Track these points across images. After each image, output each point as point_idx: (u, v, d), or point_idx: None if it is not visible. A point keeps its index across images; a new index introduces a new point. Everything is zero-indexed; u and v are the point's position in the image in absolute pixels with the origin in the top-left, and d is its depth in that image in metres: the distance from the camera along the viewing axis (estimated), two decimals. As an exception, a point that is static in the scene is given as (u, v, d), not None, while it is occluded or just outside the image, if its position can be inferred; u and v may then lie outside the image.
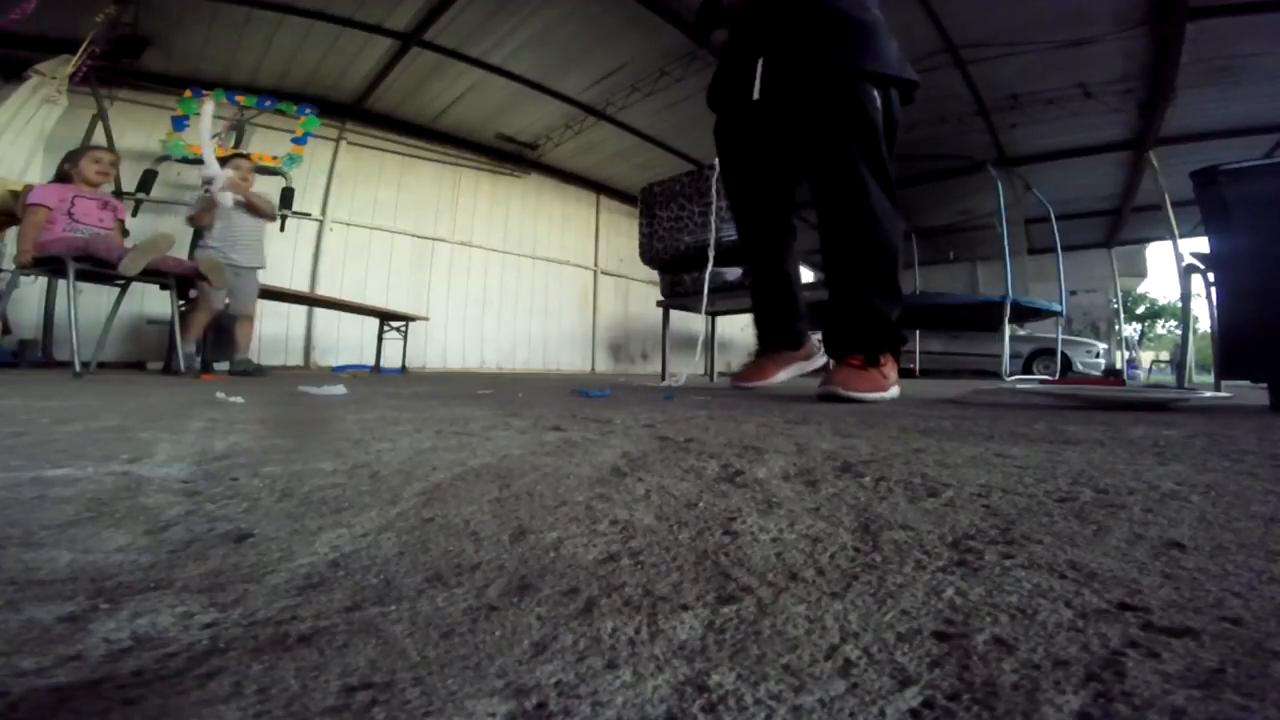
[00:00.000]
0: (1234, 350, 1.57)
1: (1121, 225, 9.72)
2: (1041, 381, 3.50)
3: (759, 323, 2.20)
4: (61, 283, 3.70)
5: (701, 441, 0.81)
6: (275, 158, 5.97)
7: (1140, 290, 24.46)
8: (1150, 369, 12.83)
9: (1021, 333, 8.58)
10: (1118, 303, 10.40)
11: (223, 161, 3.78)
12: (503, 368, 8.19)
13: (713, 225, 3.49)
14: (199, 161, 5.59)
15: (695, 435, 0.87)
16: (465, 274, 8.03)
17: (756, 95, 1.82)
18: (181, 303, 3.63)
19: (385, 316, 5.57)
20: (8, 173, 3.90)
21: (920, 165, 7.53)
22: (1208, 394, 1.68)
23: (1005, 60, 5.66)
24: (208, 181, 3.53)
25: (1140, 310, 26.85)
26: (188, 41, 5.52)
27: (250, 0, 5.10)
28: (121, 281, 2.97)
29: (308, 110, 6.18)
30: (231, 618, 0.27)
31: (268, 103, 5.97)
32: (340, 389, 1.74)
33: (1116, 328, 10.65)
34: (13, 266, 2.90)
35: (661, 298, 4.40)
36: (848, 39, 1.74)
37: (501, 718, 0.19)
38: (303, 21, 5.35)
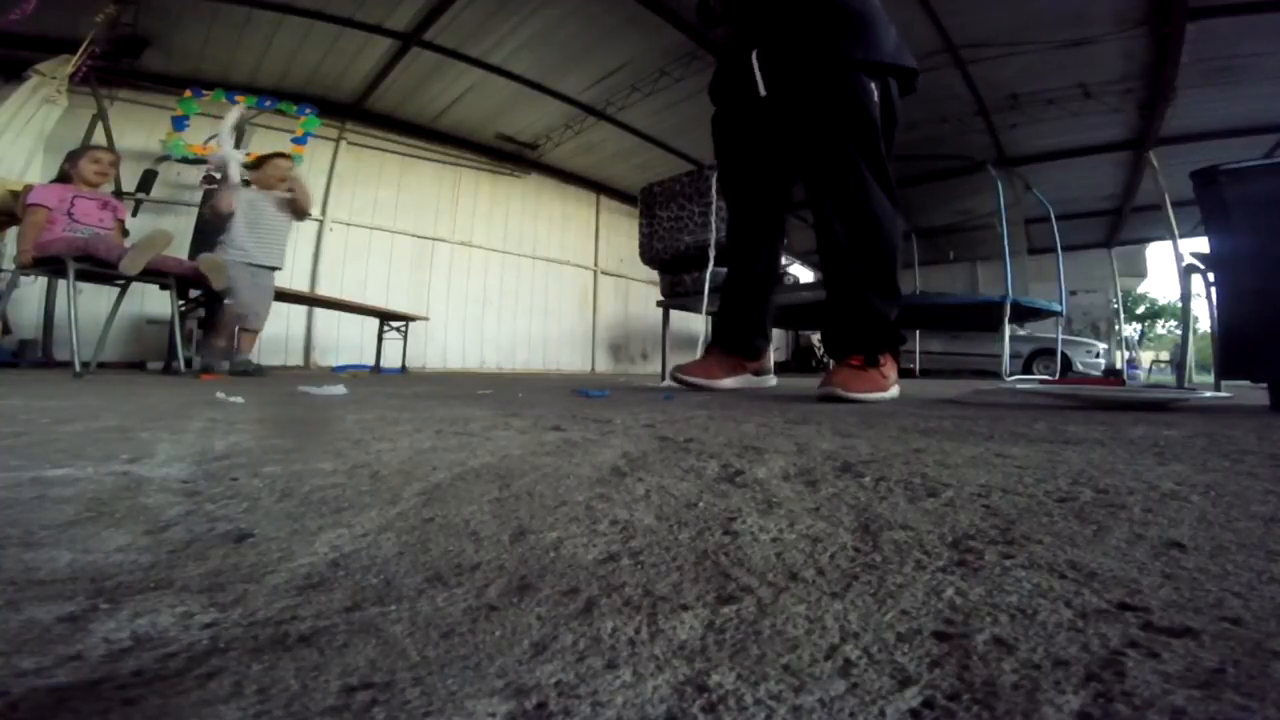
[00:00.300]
0: (1234, 350, 1.56)
1: (1121, 225, 9.73)
2: (1041, 381, 3.50)
3: (722, 321, 2.12)
4: (61, 283, 3.69)
5: (701, 441, 0.81)
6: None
7: (1140, 290, 24.48)
8: (1150, 369, 12.83)
9: (1021, 333, 8.58)
10: (1118, 303, 10.40)
11: (260, 161, 3.72)
12: (503, 368, 8.19)
13: (713, 225, 3.49)
14: (199, 161, 5.62)
15: (695, 435, 0.87)
16: (465, 274, 8.04)
17: (763, 91, 1.79)
18: (181, 303, 3.63)
19: (385, 316, 5.57)
20: (8, 173, 3.90)
21: (920, 165, 7.53)
22: (1208, 394, 1.68)
23: (1005, 60, 5.66)
24: (219, 167, 3.41)
25: (1140, 310, 26.86)
26: (188, 41, 5.52)
27: (250, 0, 5.10)
28: (121, 281, 2.97)
29: (308, 110, 6.18)
30: (231, 618, 0.27)
31: (268, 103, 5.97)
32: (340, 389, 1.74)
33: (1116, 328, 10.65)
34: (13, 266, 2.90)
35: (661, 298, 4.40)
36: (842, 28, 1.72)
37: (501, 718, 0.19)
38: (303, 21, 5.35)
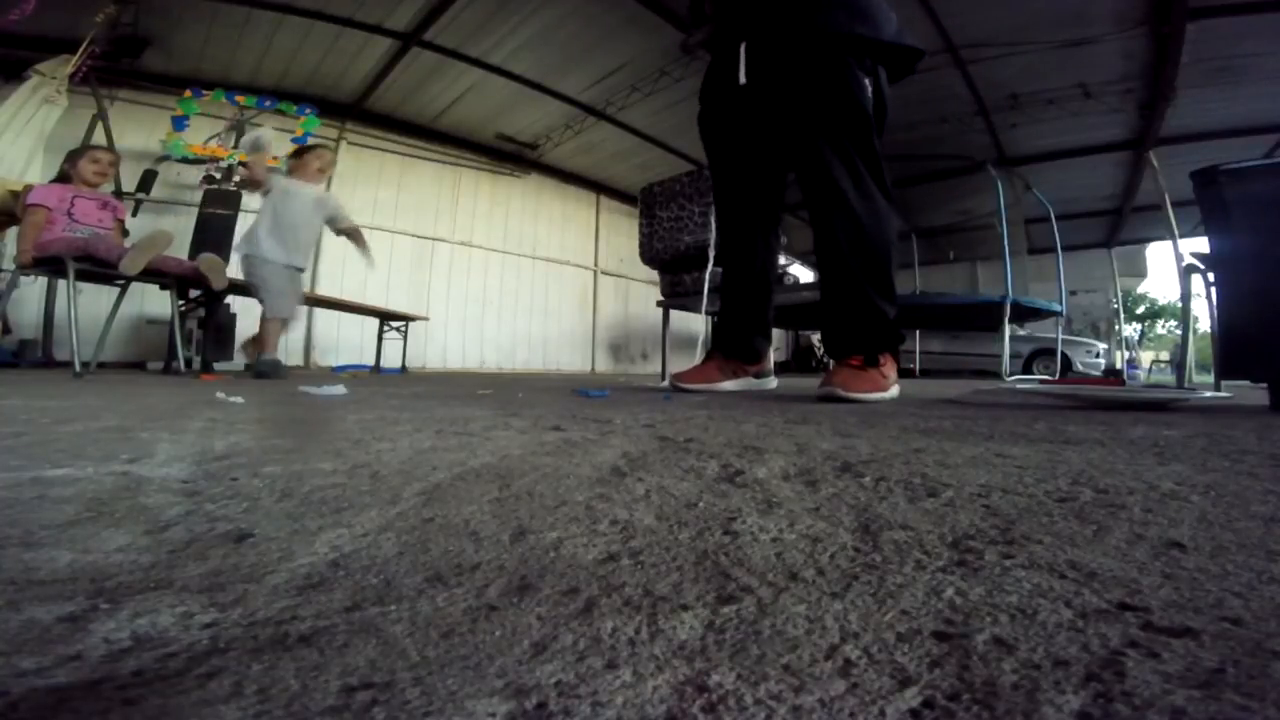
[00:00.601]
0: (1234, 350, 1.57)
1: (1121, 225, 9.73)
2: (1041, 381, 3.50)
3: (720, 325, 2.11)
4: (61, 283, 3.68)
5: (701, 441, 0.81)
6: (275, 158, 5.96)
7: (1140, 290, 24.47)
8: (1150, 369, 12.83)
9: (1021, 333, 8.58)
10: (1118, 303, 10.40)
11: (300, 151, 3.50)
12: (503, 368, 8.19)
13: (712, 225, 3.49)
14: (199, 161, 5.63)
15: (695, 435, 0.87)
16: (465, 274, 8.04)
17: (743, 79, 1.76)
18: (181, 303, 3.62)
19: (385, 316, 5.57)
20: (8, 173, 3.90)
21: (920, 165, 7.53)
22: (1208, 394, 1.68)
23: (1005, 60, 5.66)
24: (252, 147, 3.20)
25: (1140, 310, 26.86)
26: (188, 41, 5.53)
27: (250, 0, 5.10)
28: (121, 281, 2.97)
29: (308, 110, 6.18)
30: (231, 618, 0.27)
31: (268, 103, 5.97)
32: (340, 389, 1.74)
33: (1116, 328, 10.65)
34: (13, 266, 2.90)
35: (661, 298, 4.41)
36: (832, 8, 1.69)
37: (501, 718, 0.19)
38: (303, 21, 5.36)
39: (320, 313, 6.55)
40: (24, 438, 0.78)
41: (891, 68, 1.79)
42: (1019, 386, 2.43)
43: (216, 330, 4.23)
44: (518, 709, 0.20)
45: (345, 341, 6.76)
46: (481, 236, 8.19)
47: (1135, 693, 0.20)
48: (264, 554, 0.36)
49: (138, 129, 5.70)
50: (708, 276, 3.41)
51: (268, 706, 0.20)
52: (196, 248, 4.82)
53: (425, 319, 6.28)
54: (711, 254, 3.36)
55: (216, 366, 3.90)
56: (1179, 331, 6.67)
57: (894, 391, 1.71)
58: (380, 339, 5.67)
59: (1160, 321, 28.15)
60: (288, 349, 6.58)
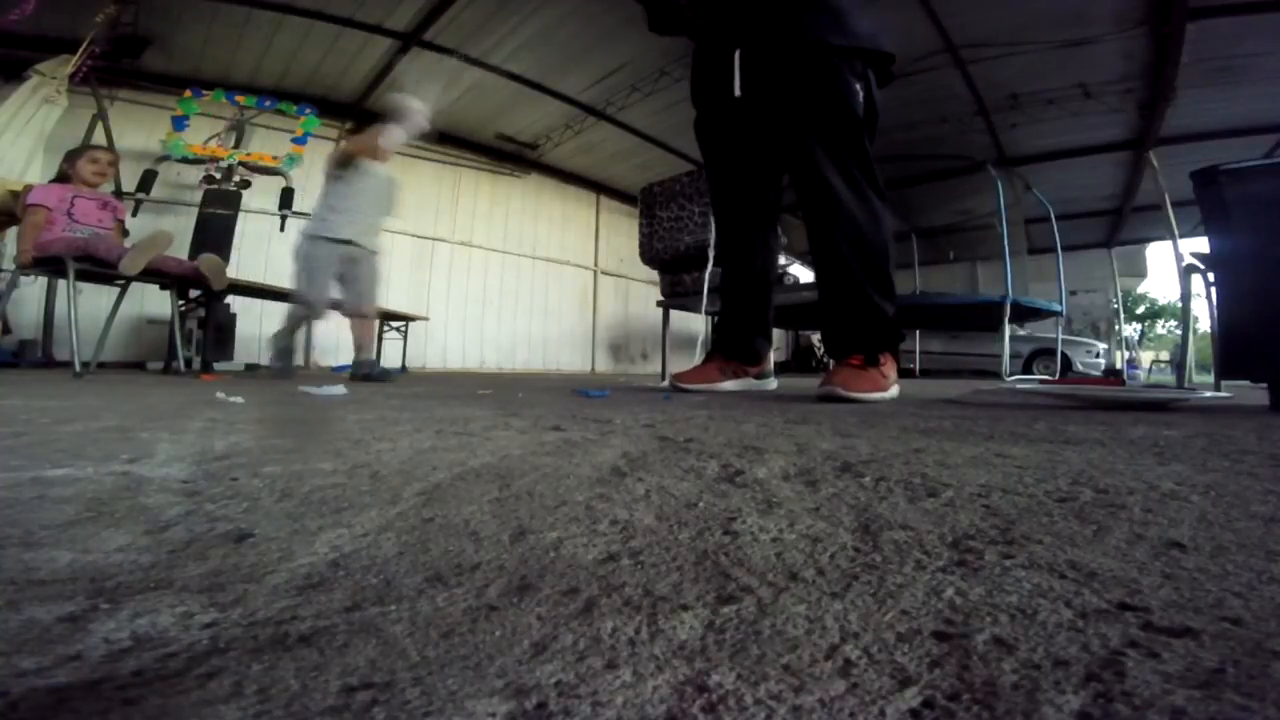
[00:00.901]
0: (1234, 350, 1.57)
1: (1121, 225, 9.73)
2: (1041, 381, 3.50)
3: (720, 326, 2.12)
4: (61, 283, 3.68)
5: (701, 441, 0.81)
6: (275, 158, 5.97)
7: (1140, 290, 24.47)
8: (1150, 369, 12.83)
9: (1021, 333, 8.59)
10: (1118, 303, 10.40)
11: (360, 126, 3.25)
12: (503, 368, 8.19)
13: (712, 225, 3.49)
14: (199, 161, 5.62)
15: (695, 435, 0.87)
16: (465, 274, 8.04)
17: (738, 91, 1.78)
18: (181, 303, 3.62)
19: (385, 316, 5.57)
20: (8, 173, 3.90)
21: (920, 165, 7.53)
22: (1208, 394, 1.68)
23: (1005, 60, 5.66)
24: (398, 111, 2.78)
25: (1140, 310, 26.85)
26: (188, 41, 5.52)
27: (250, 0, 5.10)
28: (121, 281, 2.97)
29: (308, 110, 6.18)
30: (231, 618, 0.27)
31: (268, 103, 5.97)
32: (340, 389, 1.74)
33: (1116, 328, 10.65)
34: (13, 266, 2.90)
35: (661, 298, 4.41)
36: (820, 15, 1.72)
37: (501, 718, 0.19)
38: (303, 21, 5.35)
39: (320, 313, 6.55)
40: (24, 438, 0.78)
41: (879, 72, 1.81)
42: (1019, 386, 2.43)
43: (216, 330, 4.23)
44: (518, 709, 0.20)
45: (345, 341, 6.74)
46: (481, 236, 8.19)
47: (1135, 693, 0.20)
48: (264, 554, 0.36)
49: (138, 129, 5.70)
50: (708, 276, 3.41)
51: (268, 706, 0.20)
52: (196, 248, 4.82)
53: (425, 319, 6.28)
54: (711, 254, 3.36)
55: (216, 366, 3.90)
56: (1179, 331, 6.67)
57: (894, 391, 1.71)
58: (380, 339, 5.67)
59: (1160, 321, 28.16)
60: (288, 349, 6.58)
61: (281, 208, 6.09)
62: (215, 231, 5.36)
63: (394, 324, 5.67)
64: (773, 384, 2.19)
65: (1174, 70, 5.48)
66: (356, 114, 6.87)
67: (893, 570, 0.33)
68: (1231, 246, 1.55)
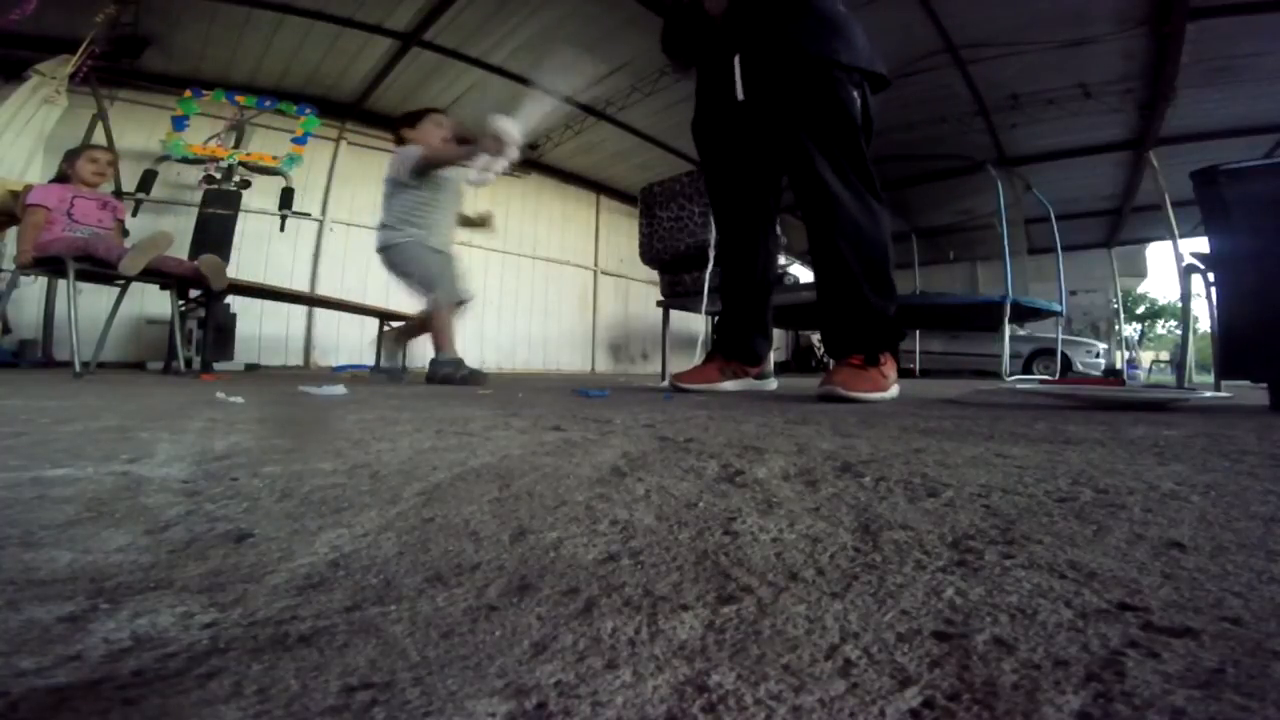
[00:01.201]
0: (1234, 350, 1.57)
1: (1121, 225, 9.73)
2: (1041, 381, 3.50)
3: (720, 326, 2.13)
4: (61, 283, 3.68)
5: (701, 441, 0.81)
6: (275, 158, 5.97)
7: (1140, 290, 24.48)
8: (1150, 369, 12.83)
9: (1021, 333, 8.59)
10: (1118, 303, 10.41)
11: (414, 117, 3.02)
12: (503, 367, 8.19)
13: (712, 225, 3.49)
14: (199, 161, 5.62)
15: (695, 435, 0.87)
16: (465, 274, 8.04)
17: (740, 95, 1.79)
18: (181, 303, 3.62)
19: (385, 316, 5.57)
20: (8, 173, 3.90)
21: (920, 165, 7.53)
22: (1208, 394, 1.68)
23: (1005, 60, 5.66)
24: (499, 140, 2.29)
25: (1140, 310, 26.86)
26: (188, 41, 5.52)
27: (250, 0, 5.10)
28: (121, 282, 2.97)
29: (308, 110, 6.18)
30: (231, 618, 0.27)
31: (268, 103, 5.97)
32: (340, 389, 1.74)
33: (1116, 328, 10.65)
34: (13, 266, 2.90)
35: (661, 298, 4.40)
36: (823, 31, 1.74)
37: (501, 718, 0.19)
38: (303, 21, 5.36)
39: (320, 313, 6.56)
40: (24, 438, 0.78)
41: (872, 90, 1.85)
42: (1019, 386, 2.43)
43: (216, 330, 4.23)
44: (518, 709, 0.20)
45: (345, 341, 6.76)
46: (481, 236, 8.18)
47: (1135, 693, 0.20)
48: (264, 554, 0.36)
49: (138, 129, 5.70)
50: (708, 276, 3.41)
51: (268, 706, 0.20)
52: (196, 248, 4.82)
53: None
54: (711, 254, 3.35)
55: (216, 366, 3.90)
56: (1179, 331, 6.67)
57: (894, 391, 1.71)
58: (380, 339, 5.67)
59: (1160, 321, 28.15)
60: (288, 349, 6.59)
61: (281, 208, 6.09)
62: (215, 231, 5.36)
63: (394, 324, 5.66)
64: (773, 384, 2.19)
65: (1174, 70, 5.48)
66: (356, 114, 6.88)
67: (893, 570, 0.33)
68: (1231, 246, 1.55)
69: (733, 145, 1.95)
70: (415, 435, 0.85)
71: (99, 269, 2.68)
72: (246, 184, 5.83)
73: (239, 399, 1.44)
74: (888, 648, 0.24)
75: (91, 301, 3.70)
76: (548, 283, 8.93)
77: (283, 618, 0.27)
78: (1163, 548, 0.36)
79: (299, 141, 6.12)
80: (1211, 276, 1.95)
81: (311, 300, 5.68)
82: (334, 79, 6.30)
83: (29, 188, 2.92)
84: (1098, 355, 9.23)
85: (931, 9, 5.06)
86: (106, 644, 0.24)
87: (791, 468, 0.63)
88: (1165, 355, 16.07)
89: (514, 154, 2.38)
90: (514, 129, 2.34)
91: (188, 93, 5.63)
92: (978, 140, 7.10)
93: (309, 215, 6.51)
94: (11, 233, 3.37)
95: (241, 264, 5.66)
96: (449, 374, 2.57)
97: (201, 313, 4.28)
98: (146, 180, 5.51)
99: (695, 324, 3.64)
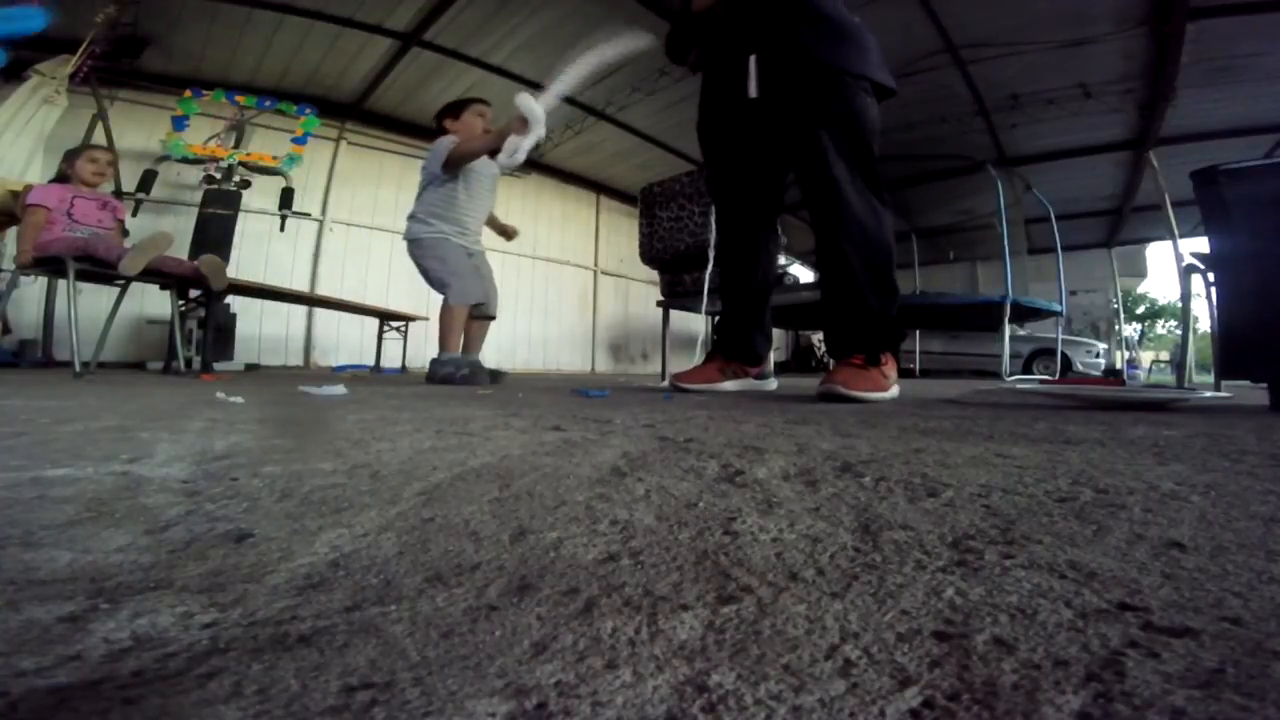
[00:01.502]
0: (1234, 350, 1.56)
1: (1121, 225, 9.74)
2: (1041, 381, 3.50)
3: (721, 326, 2.14)
4: (61, 283, 3.68)
5: (701, 441, 0.81)
6: (275, 158, 5.97)
7: (1140, 290, 24.48)
8: (1150, 369, 12.83)
9: (1021, 333, 8.59)
10: (1118, 303, 10.41)
11: (456, 108, 2.87)
12: (502, 367, 8.19)
13: (712, 225, 3.49)
14: (199, 161, 5.63)
15: (695, 435, 0.87)
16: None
17: (754, 93, 1.80)
18: (181, 303, 3.61)
19: (385, 316, 5.57)
20: (8, 173, 3.90)
21: (920, 165, 7.54)
22: (1208, 394, 1.68)
23: (1005, 60, 5.66)
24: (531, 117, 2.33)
25: (1140, 310, 26.85)
26: (188, 41, 5.53)
27: (250, 0, 5.10)
28: (121, 282, 2.97)
29: (308, 110, 6.18)
30: (231, 618, 0.27)
31: (268, 103, 5.97)
32: (340, 389, 1.74)
33: (1116, 328, 10.65)
34: (13, 266, 2.90)
35: (661, 298, 4.40)
36: (839, 40, 1.75)
37: (501, 718, 0.19)
38: (303, 21, 5.36)
39: (320, 313, 6.57)
40: (24, 438, 0.78)
41: (878, 96, 1.87)
42: (1019, 386, 2.43)
43: (216, 330, 4.23)
44: (518, 709, 0.20)
45: (345, 341, 6.76)
46: (481, 236, 8.19)
47: (1135, 693, 0.20)
48: (264, 554, 0.36)
49: (138, 129, 5.70)
50: (708, 276, 3.41)
51: (268, 706, 0.20)
52: (196, 248, 4.83)
53: (425, 319, 6.27)
54: (711, 254, 3.35)
55: (216, 366, 3.90)
56: (1179, 331, 6.67)
57: (894, 391, 1.72)
58: (380, 339, 5.67)
59: (1160, 321, 28.15)
60: (288, 349, 6.58)
61: (281, 208, 6.09)
62: (215, 231, 5.36)
63: (394, 324, 5.67)
64: (773, 384, 2.19)
65: (1174, 70, 5.49)
66: (356, 114, 6.88)
67: (893, 570, 0.33)
68: (1231, 246, 1.55)
69: (740, 145, 1.95)
70: (415, 435, 0.85)
71: (99, 269, 2.68)
72: (246, 184, 5.83)
73: (239, 399, 1.44)
74: (888, 648, 0.24)
75: (91, 301, 3.70)
76: (548, 283, 8.94)
77: (283, 618, 0.27)
78: (1163, 548, 0.36)
79: (299, 141, 6.12)
80: (1211, 276, 1.95)
81: (311, 300, 5.68)
82: (334, 79, 6.30)
83: (29, 188, 2.92)
84: (1098, 355, 9.23)
85: (931, 9, 5.06)
86: (106, 644, 0.24)
87: (791, 468, 0.63)
88: (1165, 355, 16.07)
89: (540, 131, 2.37)
90: (537, 107, 2.36)
91: (188, 93, 5.63)
92: (978, 140, 7.10)
93: (309, 215, 6.51)
94: (11, 233, 3.37)
95: (241, 264, 5.66)
96: (449, 374, 2.57)
97: (201, 313, 4.28)
98: (146, 180, 5.51)
99: (695, 324, 3.63)
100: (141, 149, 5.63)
